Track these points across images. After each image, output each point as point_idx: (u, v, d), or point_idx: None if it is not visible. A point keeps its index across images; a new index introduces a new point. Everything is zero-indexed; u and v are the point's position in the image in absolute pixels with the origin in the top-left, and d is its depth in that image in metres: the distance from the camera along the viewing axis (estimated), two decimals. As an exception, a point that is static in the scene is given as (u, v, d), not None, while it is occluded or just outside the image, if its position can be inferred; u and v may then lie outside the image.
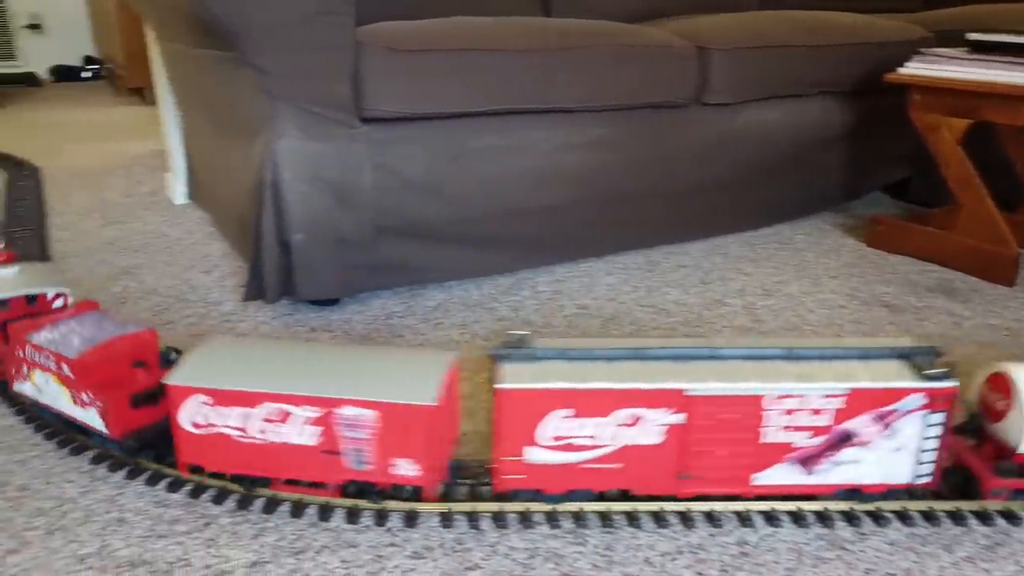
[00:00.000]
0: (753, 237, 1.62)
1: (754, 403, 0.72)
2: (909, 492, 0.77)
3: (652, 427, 0.73)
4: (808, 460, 0.75)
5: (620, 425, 0.73)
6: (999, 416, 0.77)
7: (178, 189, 1.85)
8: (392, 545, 0.73)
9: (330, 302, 1.25)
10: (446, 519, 0.76)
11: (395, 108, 1.18)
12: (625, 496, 0.77)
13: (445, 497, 0.77)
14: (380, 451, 0.73)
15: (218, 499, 0.78)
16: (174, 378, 0.76)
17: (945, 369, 0.74)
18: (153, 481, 0.81)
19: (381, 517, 0.76)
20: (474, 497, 0.77)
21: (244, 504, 0.77)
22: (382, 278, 1.27)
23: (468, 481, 0.79)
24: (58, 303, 1.03)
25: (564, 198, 1.37)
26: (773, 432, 0.74)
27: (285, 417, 0.73)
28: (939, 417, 0.73)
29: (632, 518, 0.76)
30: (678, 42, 1.42)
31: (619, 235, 1.49)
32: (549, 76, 1.28)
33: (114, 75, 3.73)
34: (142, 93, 3.43)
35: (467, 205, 1.30)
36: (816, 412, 0.73)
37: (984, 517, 0.77)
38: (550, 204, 1.36)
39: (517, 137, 1.30)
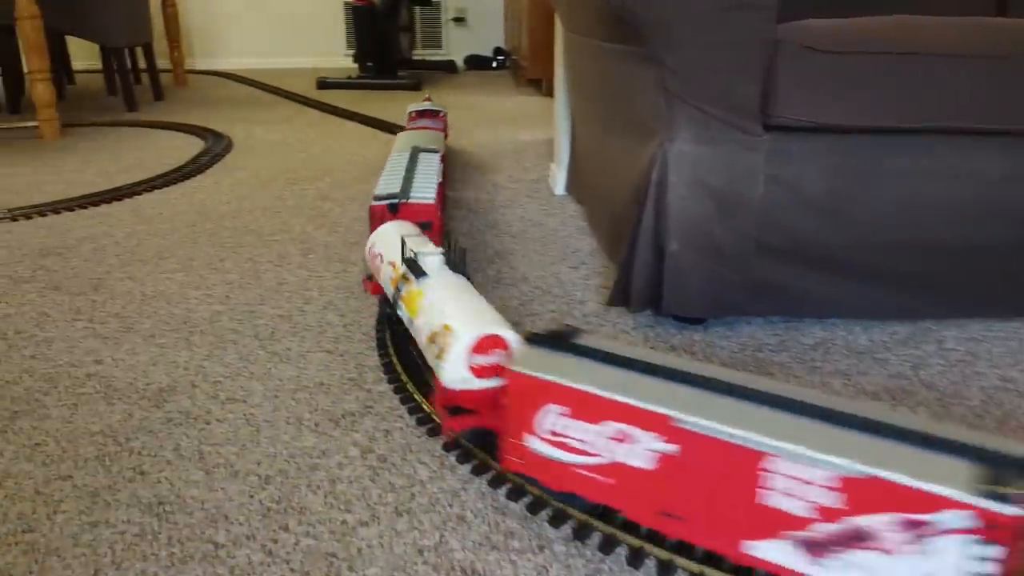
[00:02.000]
0: None
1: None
2: None
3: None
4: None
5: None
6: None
7: (559, 180, 1.88)
8: (738, 634, 0.62)
9: (695, 320, 1.16)
10: (808, 621, 0.62)
11: (805, 116, 1.04)
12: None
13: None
14: None
15: (555, 521, 0.73)
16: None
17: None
18: (495, 484, 0.79)
19: (729, 596, 0.65)
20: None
21: (580, 535, 0.72)
22: (756, 303, 1.14)
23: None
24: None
25: (1002, 240, 1.11)
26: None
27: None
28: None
29: None
30: None
31: (1067, 294, 1.18)
32: (1008, 90, 1.04)
33: (517, 66, 4.01)
34: (539, 84, 3.63)
35: (871, 233, 1.11)
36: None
37: None
38: (981, 244, 1.11)
39: (951, 161, 1.08)
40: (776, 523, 0.60)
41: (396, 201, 1.24)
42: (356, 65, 3.99)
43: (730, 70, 1.03)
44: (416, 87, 3.75)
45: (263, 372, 1.02)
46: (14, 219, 1.70)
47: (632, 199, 1.15)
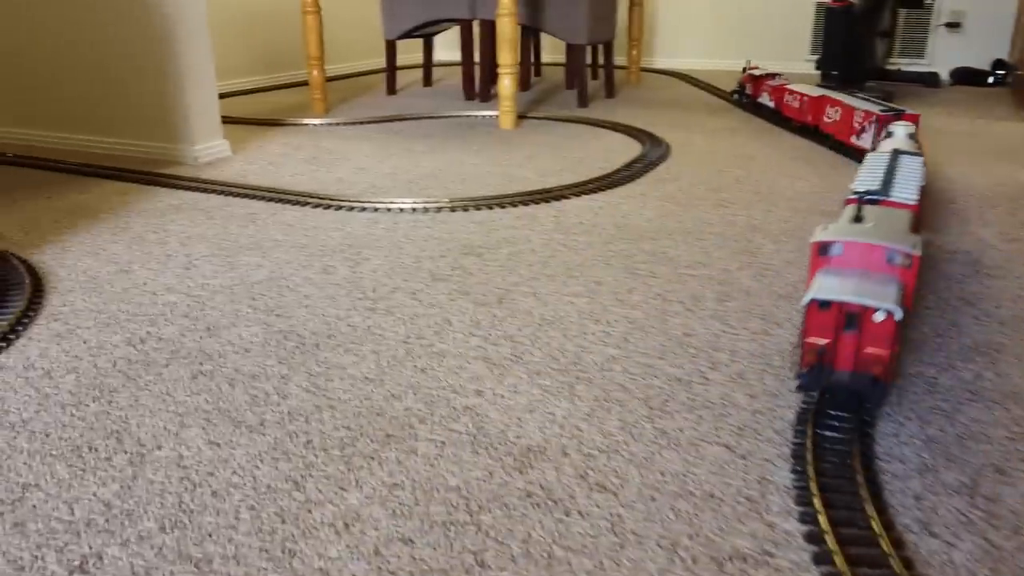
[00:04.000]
0: None
1: None
2: None
3: None
4: None
5: None
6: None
7: (1080, 250, 1.39)
8: None
9: None
10: None
11: None
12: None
13: None
14: None
15: None
16: None
17: None
18: None
19: None
20: None
21: None
22: None
23: None
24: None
25: None
26: None
27: None
28: None
29: None
30: None
31: None
32: None
33: (1022, 84, 3.26)
34: (1052, 109, 2.89)
35: None
36: None
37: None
38: None
39: None
40: None
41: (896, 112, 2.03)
42: (818, 72, 3.61)
43: None
44: (887, 101, 3.26)
45: (645, 456, 0.84)
46: (452, 209, 1.76)
47: None
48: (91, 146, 2.40)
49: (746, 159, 2.27)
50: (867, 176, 1.28)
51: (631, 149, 2.41)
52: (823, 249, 0.93)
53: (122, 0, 2.16)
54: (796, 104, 2.66)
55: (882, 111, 2.10)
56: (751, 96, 3.13)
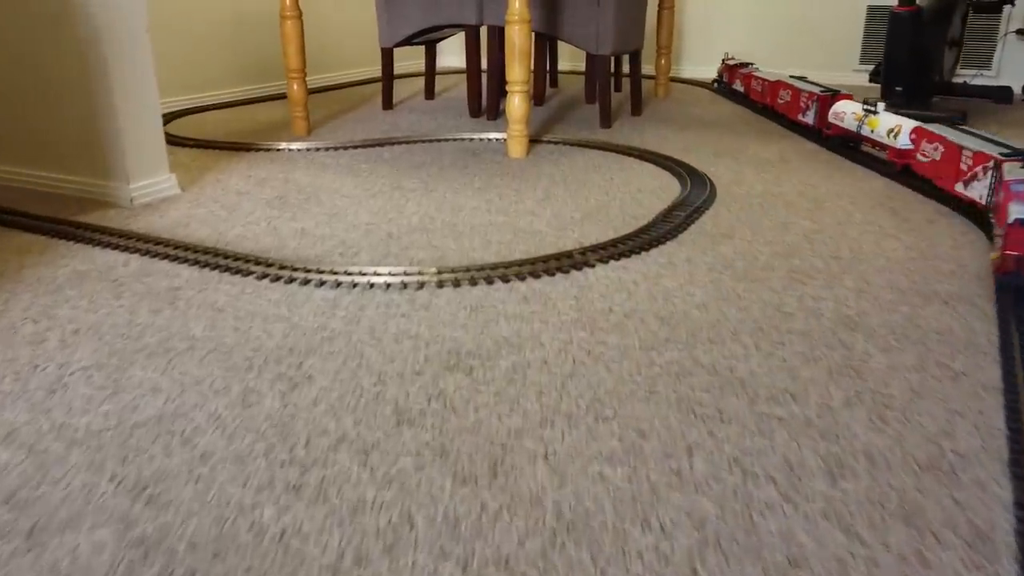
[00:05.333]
0: None
1: None
2: None
3: None
4: None
5: None
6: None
7: None
8: None
9: None
10: None
11: None
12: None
13: None
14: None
15: None
16: None
17: None
18: None
19: None
20: None
21: None
22: None
23: None
24: None
25: None
26: None
27: None
28: None
29: None
30: None
31: None
32: None
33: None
34: None
35: None
36: None
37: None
38: None
39: None
40: None
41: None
42: (873, 85, 3.16)
43: None
44: (959, 121, 2.80)
45: None
46: (440, 284, 1.33)
47: None
48: (10, 180, 1.99)
49: (813, 204, 1.82)
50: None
51: (667, 188, 1.97)
52: (1012, 185, 1.29)
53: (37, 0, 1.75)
54: (759, 89, 3.11)
55: (822, 91, 2.53)
56: (727, 83, 3.59)
